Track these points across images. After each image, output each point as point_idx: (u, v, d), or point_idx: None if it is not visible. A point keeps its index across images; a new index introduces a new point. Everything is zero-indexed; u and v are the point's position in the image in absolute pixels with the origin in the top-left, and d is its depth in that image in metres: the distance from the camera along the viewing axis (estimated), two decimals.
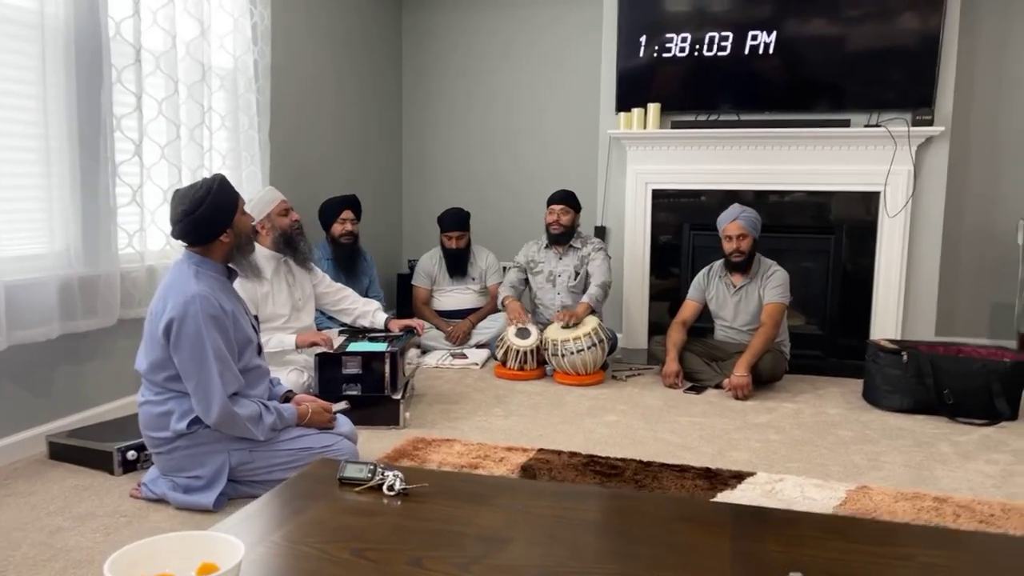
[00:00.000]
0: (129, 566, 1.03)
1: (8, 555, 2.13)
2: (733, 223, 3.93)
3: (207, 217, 2.39)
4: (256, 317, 2.69)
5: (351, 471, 1.49)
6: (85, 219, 3.03)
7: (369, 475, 1.47)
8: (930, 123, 4.31)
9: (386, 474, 1.46)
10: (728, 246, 3.97)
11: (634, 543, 1.28)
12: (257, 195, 3.42)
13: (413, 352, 4.35)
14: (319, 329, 3.71)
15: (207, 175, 3.59)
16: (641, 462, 2.87)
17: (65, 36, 2.90)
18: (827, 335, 4.65)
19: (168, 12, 3.30)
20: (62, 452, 2.81)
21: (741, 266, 3.99)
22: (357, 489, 1.46)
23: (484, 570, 1.17)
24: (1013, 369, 3.46)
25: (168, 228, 3.40)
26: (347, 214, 4.20)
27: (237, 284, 2.61)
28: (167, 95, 3.35)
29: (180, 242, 2.47)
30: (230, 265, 2.53)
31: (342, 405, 2.76)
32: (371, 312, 3.63)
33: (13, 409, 2.83)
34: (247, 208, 3.34)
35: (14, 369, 2.82)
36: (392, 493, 1.44)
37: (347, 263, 4.23)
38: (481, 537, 1.27)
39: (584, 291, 4.32)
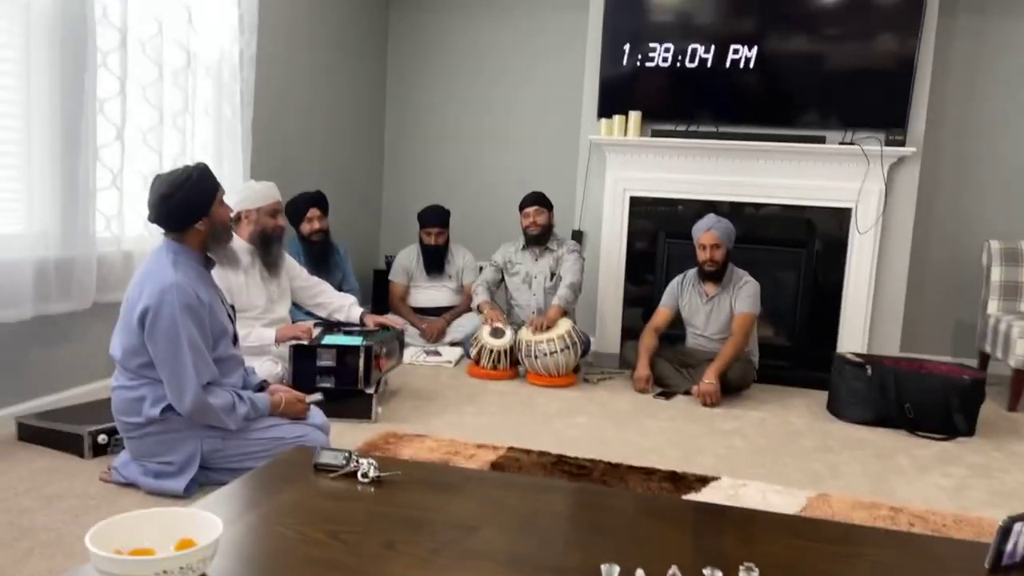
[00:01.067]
0: (109, 539, 1.06)
1: None
2: (708, 233, 4.01)
3: (184, 203, 2.40)
4: (232, 307, 2.70)
5: (326, 457, 1.52)
6: (64, 201, 3.02)
7: (344, 462, 1.51)
8: (902, 143, 4.42)
9: (360, 461, 1.50)
10: (702, 255, 4.05)
11: (600, 534, 1.33)
12: (257, 185, 3.41)
13: (406, 351, 4.37)
14: (293, 321, 3.71)
15: (188, 162, 3.60)
16: (609, 463, 2.92)
17: (51, 17, 2.90)
18: (795, 347, 4.74)
19: None
20: (32, 434, 2.80)
21: (714, 275, 4.07)
22: (332, 475, 1.49)
23: (454, 555, 1.21)
24: (972, 386, 3.57)
25: (146, 213, 3.41)
26: (313, 212, 4.16)
27: (214, 273, 2.62)
28: (151, 80, 3.35)
29: (157, 228, 2.48)
30: (208, 254, 2.54)
31: (316, 397, 2.79)
32: (347, 306, 3.65)
33: None
34: (243, 194, 3.36)
35: None
36: (366, 480, 1.47)
37: (319, 259, 4.22)
38: (452, 524, 1.31)
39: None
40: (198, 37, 3.61)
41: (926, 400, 3.57)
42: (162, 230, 2.47)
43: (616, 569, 1.02)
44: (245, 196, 3.37)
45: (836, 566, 1.24)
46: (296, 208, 4.18)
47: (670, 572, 1.00)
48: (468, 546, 1.24)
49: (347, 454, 1.52)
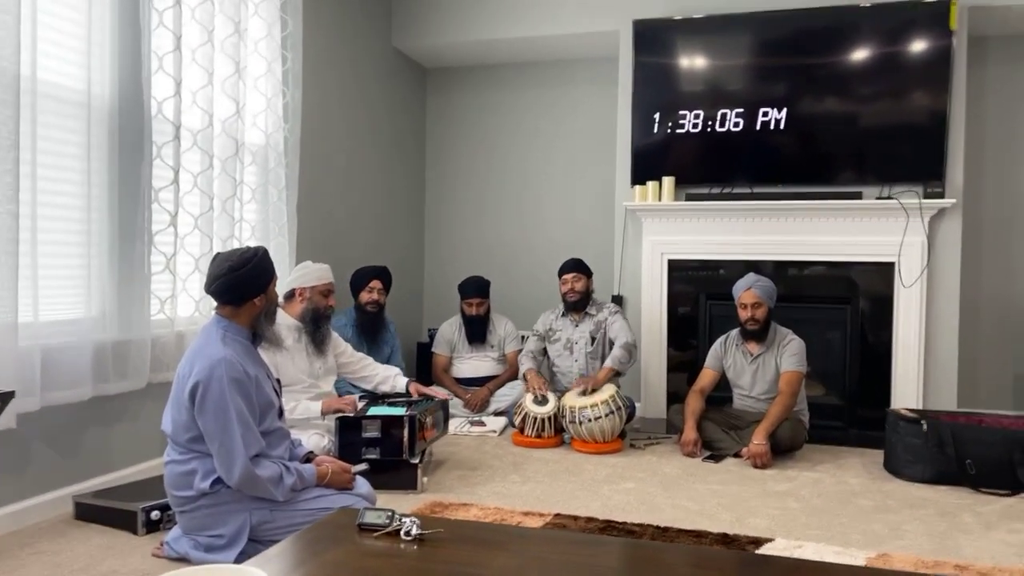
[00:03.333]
0: None
1: None
2: (748, 292, 4.00)
3: (248, 278, 2.49)
4: (278, 381, 2.77)
5: (370, 517, 1.54)
6: (120, 286, 3.16)
7: (387, 521, 1.52)
8: (941, 195, 4.39)
9: (403, 520, 1.51)
10: (743, 314, 4.03)
11: None
12: (313, 265, 3.55)
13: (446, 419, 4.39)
14: (340, 394, 3.77)
15: (237, 245, 3.75)
16: (658, 527, 2.86)
17: (110, 115, 3.11)
18: (847, 405, 4.63)
19: (207, 93, 3.51)
20: (88, 512, 2.86)
21: (756, 334, 4.03)
22: (376, 534, 1.51)
23: None
24: None
25: (198, 295, 3.54)
26: (375, 283, 4.31)
27: (261, 349, 2.69)
28: (202, 169, 3.53)
29: (212, 305, 2.57)
30: (255, 331, 2.61)
31: (362, 466, 2.81)
32: (391, 377, 3.70)
33: (42, 470, 2.90)
34: (299, 272, 3.50)
35: (45, 430, 2.91)
36: (409, 538, 1.48)
37: (369, 330, 4.32)
38: None
39: (602, 357, 4.36)
40: (245, 127, 3.81)
41: (988, 455, 3.45)
42: (215, 305, 2.56)
43: None
44: (302, 275, 3.50)
45: None
46: (360, 277, 4.32)
47: None
48: None
49: (390, 513, 1.54)
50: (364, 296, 4.29)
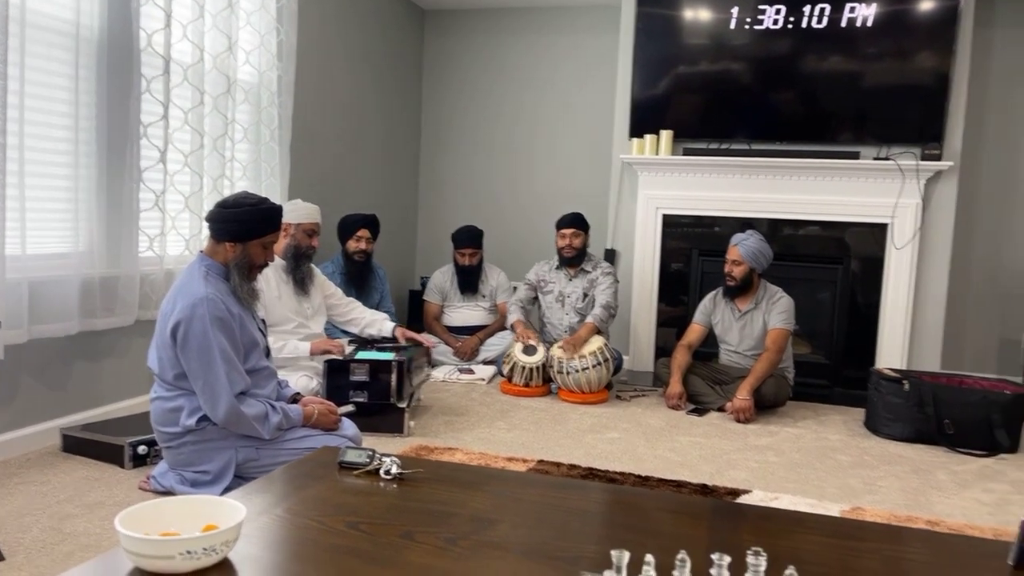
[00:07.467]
0: (138, 522, 1.10)
1: (19, 538, 2.20)
2: (732, 247, 4.03)
3: (231, 219, 2.47)
4: (263, 320, 2.77)
5: (351, 456, 1.56)
6: (109, 222, 3.14)
7: (368, 460, 1.54)
8: (939, 158, 4.37)
9: (384, 460, 1.53)
10: (725, 268, 4.06)
11: (615, 528, 1.34)
12: (303, 203, 3.54)
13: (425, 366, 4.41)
14: (329, 338, 3.78)
15: (228, 184, 3.72)
16: (639, 476, 2.91)
17: (98, 46, 3.05)
18: (833, 364, 4.67)
19: (198, 26, 3.44)
20: (75, 445, 2.89)
21: (731, 291, 4.06)
22: (356, 472, 1.53)
23: (470, 545, 1.23)
24: (1014, 401, 3.48)
25: (187, 234, 3.53)
26: (363, 232, 4.27)
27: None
28: (193, 106, 3.47)
29: (202, 244, 2.56)
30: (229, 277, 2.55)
31: (347, 408, 2.83)
32: (379, 320, 3.71)
33: (30, 402, 2.92)
34: (288, 207, 3.47)
35: (33, 363, 2.92)
36: (389, 477, 1.50)
37: (357, 279, 4.30)
38: (470, 517, 1.33)
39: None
40: (237, 63, 3.74)
41: (966, 416, 3.50)
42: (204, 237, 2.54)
43: (626, 555, 1.04)
44: (290, 210, 3.49)
45: (852, 560, 1.23)
46: (348, 225, 4.28)
47: (679, 556, 1.01)
48: (484, 537, 1.26)
49: (371, 452, 1.56)
50: (352, 245, 4.26)
